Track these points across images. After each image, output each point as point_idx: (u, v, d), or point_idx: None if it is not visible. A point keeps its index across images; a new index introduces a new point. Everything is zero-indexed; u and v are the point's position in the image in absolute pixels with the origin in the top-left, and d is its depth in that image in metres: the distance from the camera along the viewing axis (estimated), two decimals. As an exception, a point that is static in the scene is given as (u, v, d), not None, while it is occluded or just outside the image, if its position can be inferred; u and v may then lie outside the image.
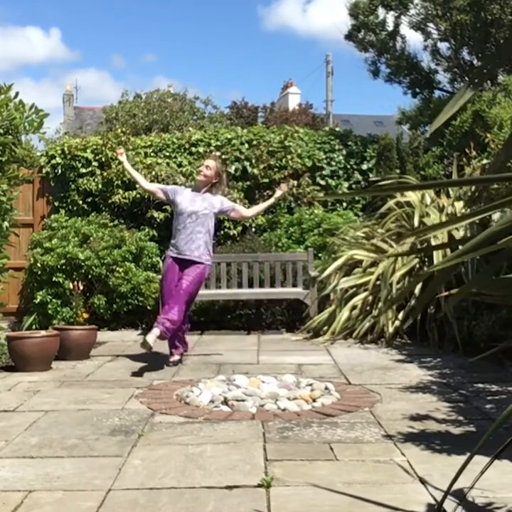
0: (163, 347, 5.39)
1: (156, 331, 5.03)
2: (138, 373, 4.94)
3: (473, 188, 6.66)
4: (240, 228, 8.35)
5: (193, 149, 8.77)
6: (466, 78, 11.22)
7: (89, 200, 8.50)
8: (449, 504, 2.26)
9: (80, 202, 8.46)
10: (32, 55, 63.34)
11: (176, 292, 5.16)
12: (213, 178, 5.41)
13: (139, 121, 18.72)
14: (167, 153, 8.73)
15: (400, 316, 6.28)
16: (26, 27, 71.08)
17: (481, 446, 1.64)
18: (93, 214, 8.29)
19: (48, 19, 68.03)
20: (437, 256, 6.07)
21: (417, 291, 6.10)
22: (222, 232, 8.33)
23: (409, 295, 6.22)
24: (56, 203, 8.56)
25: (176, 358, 5.32)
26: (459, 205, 6.59)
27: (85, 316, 6.11)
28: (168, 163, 8.56)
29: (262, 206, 5.93)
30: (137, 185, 8.26)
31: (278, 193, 5.69)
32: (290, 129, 9.17)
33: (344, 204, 8.73)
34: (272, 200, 5.76)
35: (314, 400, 3.90)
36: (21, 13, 66.59)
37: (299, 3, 66.13)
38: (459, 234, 6.15)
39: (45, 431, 3.39)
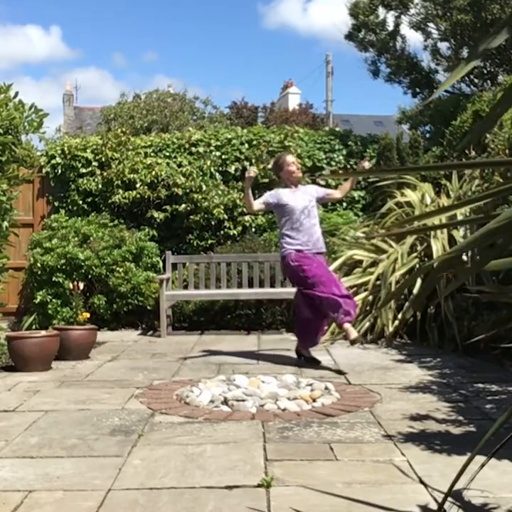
0: (161, 347, 5.39)
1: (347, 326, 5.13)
2: (138, 373, 4.94)
3: (473, 187, 6.66)
4: (240, 228, 8.35)
5: (193, 149, 8.77)
6: (466, 78, 11.22)
7: (89, 200, 8.50)
8: (450, 505, 2.26)
9: (80, 202, 8.47)
10: (32, 53, 63.47)
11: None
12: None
13: (137, 122, 18.73)
14: (167, 153, 8.73)
15: (400, 316, 6.28)
16: (26, 25, 71.19)
17: (481, 448, 1.64)
18: (93, 214, 8.29)
19: (48, 17, 68.18)
20: (437, 255, 6.07)
21: (415, 290, 6.10)
22: (222, 232, 8.34)
23: (408, 293, 6.22)
24: (56, 203, 8.57)
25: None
26: (460, 202, 6.58)
27: (85, 315, 6.10)
28: (168, 163, 8.56)
29: (348, 184, 5.84)
30: (137, 185, 8.32)
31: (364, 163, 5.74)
32: (290, 129, 9.17)
33: (344, 204, 8.73)
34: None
35: (314, 400, 3.90)
36: (21, 11, 66.64)
37: (300, 2, 66.19)
38: (459, 233, 6.16)
39: (45, 431, 3.40)
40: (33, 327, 7.33)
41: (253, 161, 8.59)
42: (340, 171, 8.77)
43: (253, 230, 8.40)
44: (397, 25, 11.40)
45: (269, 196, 5.52)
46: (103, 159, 8.54)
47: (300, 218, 5.31)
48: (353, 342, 5.11)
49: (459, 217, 5.96)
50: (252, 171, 5.36)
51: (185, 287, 7.66)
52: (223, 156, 8.70)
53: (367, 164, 5.74)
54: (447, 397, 4.04)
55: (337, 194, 5.79)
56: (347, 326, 5.05)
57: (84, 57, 63.43)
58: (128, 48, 71.64)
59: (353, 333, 5.08)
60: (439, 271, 1.59)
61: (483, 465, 1.82)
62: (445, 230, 6.04)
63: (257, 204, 5.49)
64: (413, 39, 29.70)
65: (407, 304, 6.24)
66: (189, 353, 5.85)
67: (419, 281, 5.74)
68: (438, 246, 6.24)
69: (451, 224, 4.79)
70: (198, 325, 7.57)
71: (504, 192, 1.53)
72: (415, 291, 6.10)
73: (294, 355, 5.66)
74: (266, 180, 8.55)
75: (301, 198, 5.38)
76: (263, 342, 6.54)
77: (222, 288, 7.51)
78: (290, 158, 5.52)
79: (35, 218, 8.60)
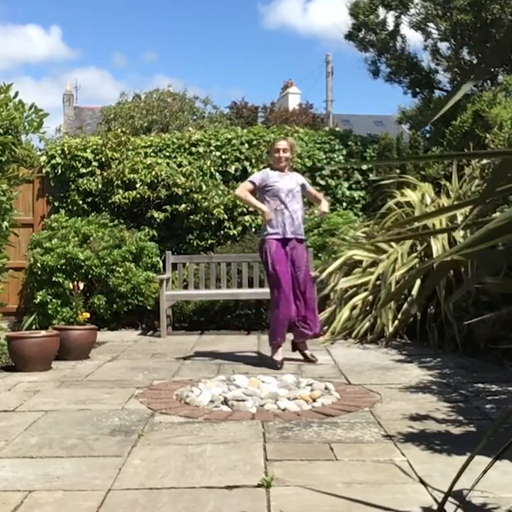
0: (161, 347, 5.38)
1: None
2: (138, 373, 4.94)
3: (472, 188, 6.67)
4: (240, 228, 8.35)
5: (193, 149, 8.77)
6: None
7: (89, 200, 8.50)
8: (450, 504, 2.26)
9: (80, 202, 8.47)
10: (32, 53, 63.43)
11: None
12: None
13: (137, 122, 18.73)
14: (167, 153, 8.73)
15: (400, 316, 6.27)
16: (26, 25, 71.11)
17: (482, 448, 1.64)
18: (93, 214, 8.29)
19: (48, 17, 68.10)
20: (437, 255, 6.07)
21: (414, 291, 6.11)
22: (222, 232, 8.33)
23: (408, 293, 6.22)
24: (56, 203, 8.57)
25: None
26: (460, 202, 6.58)
27: (85, 315, 6.10)
28: (168, 163, 8.56)
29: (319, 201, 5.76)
30: (137, 185, 8.31)
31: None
32: (290, 129, 9.18)
33: (344, 204, 8.73)
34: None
35: (314, 400, 3.90)
36: (21, 11, 66.59)
37: (300, 2, 66.18)
38: (458, 234, 6.15)
39: (45, 431, 3.40)
40: (33, 327, 7.33)
41: (253, 161, 8.59)
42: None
43: (253, 230, 8.39)
44: (397, 25, 11.40)
45: (256, 177, 5.54)
46: (103, 159, 8.54)
47: (285, 201, 5.30)
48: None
49: (459, 218, 5.97)
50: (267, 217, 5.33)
51: (185, 287, 7.66)
52: (223, 156, 8.70)
53: (325, 207, 5.57)
54: (447, 397, 4.04)
55: (317, 195, 5.74)
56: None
57: (84, 57, 63.48)
58: (128, 48, 71.68)
59: (279, 355, 5.22)
60: (439, 271, 1.59)
61: (488, 468, 1.82)
62: (442, 219, 6.02)
63: (246, 187, 5.50)
64: (413, 39, 29.74)
65: (406, 304, 6.24)
66: (189, 353, 5.85)
67: (418, 282, 5.75)
68: (438, 246, 6.24)
69: (452, 228, 4.80)
70: (198, 325, 7.57)
71: (504, 192, 1.53)
72: (414, 291, 6.11)
73: (293, 355, 5.66)
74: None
75: (289, 181, 5.39)
76: (263, 342, 6.53)
77: (222, 288, 7.51)
78: (280, 144, 5.46)
79: (35, 218, 8.60)
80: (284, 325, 5.28)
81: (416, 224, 6.74)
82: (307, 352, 5.42)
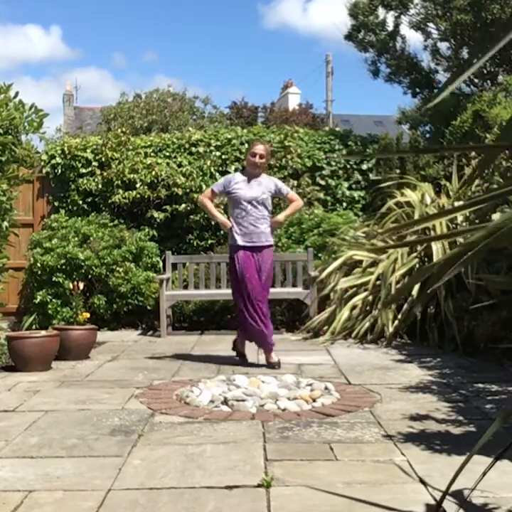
0: (161, 347, 5.38)
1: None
2: (138, 373, 4.94)
3: (472, 188, 6.67)
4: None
5: (193, 149, 8.77)
6: (466, 78, 11.21)
7: (89, 200, 8.50)
8: (449, 504, 2.26)
9: (80, 202, 8.47)
10: (32, 53, 63.40)
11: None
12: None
13: (137, 122, 18.73)
14: (167, 153, 8.73)
15: (400, 316, 6.27)
16: (26, 25, 71.02)
17: (481, 448, 1.64)
18: (93, 214, 8.29)
19: (49, 17, 68.07)
20: (437, 255, 6.07)
21: (414, 292, 6.11)
22: (222, 232, 8.33)
23: (408, 294, 6.22)
24: (56, 203, 8.57)
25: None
26: (459, 205, 6.58)
27: (85, 316, 6.10)
28: (168, 163, 8.56)
29: (290, 210, 5.61)
30: (137, 185, 8.31)
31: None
32: (290, 129, 9.17)
33: (344, 204, 8.73)
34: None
35: (314, 400, 3.90)
36: (21, 11, 66.55)
37: (300, 2, 66.17)
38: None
39: (45, 431, 3.40)
40: (33, 327, 7.33)
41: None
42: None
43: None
44: (396, 25, 11.39)
45: (218, 183, 5.51)
46: (103, 159, 8.54)
47: (247, 208, 5.24)
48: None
49: (459, 218, 5.98)
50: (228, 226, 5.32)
51: (185, 287, 7.66)
52: (223, 156, 8.70)
53: (280, 216, 5.48)
54: (447, 397, 4.04)
55: (293, 203, 5.51)
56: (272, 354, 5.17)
57: (84, 57, 63.49)
58: (128, 48, 71.68)
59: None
60: (439, 275, 1.59)
61: (488, 468, 1.82)
62: (445, 231, 6.04)
63: (207, 194, 5.49)
64: (413, 39, 29.71)
65: (406, 305, 6.24)
66: (189, 353, 5.85)
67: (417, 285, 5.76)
68: (438, 246, 6.24)
69: (453, 234, 4.80)
70: (198, 325, 7.57)
71: (505, 194, 1.53)
72: (414, 291, 6.11)
73: (294, 355, 5.67)
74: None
75: (255, 189, 5.28)
76: (263, 342, 6.53)
77: (222, 288, 7.50)
78: (258, 148, 5.32)
79: (35, 218, 8.61)
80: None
81: (416, 227, 6.75)
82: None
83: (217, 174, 8.59)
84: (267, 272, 5.29)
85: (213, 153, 8.69)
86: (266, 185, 5.37)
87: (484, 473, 1.84)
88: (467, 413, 3.65)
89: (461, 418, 3.54)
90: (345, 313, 6.50)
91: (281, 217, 5.50)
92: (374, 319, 6.36)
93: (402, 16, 11.29)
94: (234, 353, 5.51)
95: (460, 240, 5.99)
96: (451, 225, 6.42)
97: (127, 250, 7.70)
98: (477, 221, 5.44)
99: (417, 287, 6.09)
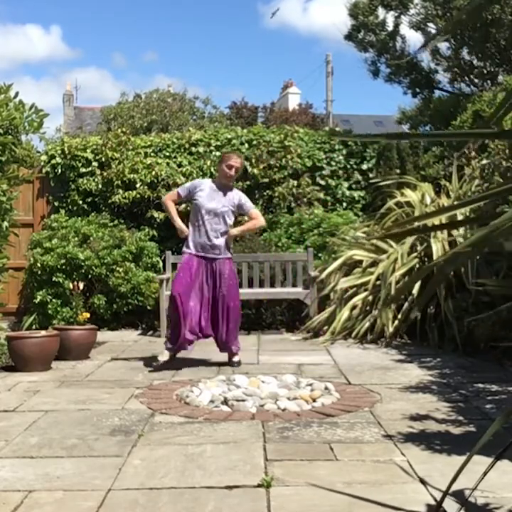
0: (161, 347, 5.38)
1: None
2: (138, 373, 4.94)
3: (472, 188, 6.66)
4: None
5: (193, 149, 8.77)
6: (466, 78, 11.21)
7: (89, 200, 8.50)
8: (450, 504, 2.26)
9: (80, 202, 8.47)
10: (32, 53, 63.43)
11: None
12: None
13: (137, 121, 18.74)
14: (167, 153, 8.73)
15: (400, 316, 6.27)
16: (26, 25, 71.03)
17: (481, 448, 1.64)
18: (93, 214, 8.29)
19: (49, 17, 68.09)
20: (437, 255, 6.07)
21: (415, 291, 6.11)
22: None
23: (408, 293, 6.22)
24: (56, 203, 8.57)
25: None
26: (459, 202, 6.59)
27: (85, 316, 6.10)
28: (168, 163, 8.56)
29: (246, 226, 5.55)
30: (137, 185, 8.31)
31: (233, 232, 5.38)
32: (290, 129, 9.17)
33: (344, 204, 8.73)
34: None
35: (314, 400, 3.90)
36: (21, 11, 66.58)
37: (300, 2, 66.16)
38: (458, 233, 6.15)
39: (45, 431, 3.40)
40: (33, 327, 7.33)
41: (253, 160, 8.59)
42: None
43: (253, 230, 8.39)
44: (396, 25, 11.40)
45: (184, 187, 5.47)
46: (103, 159, 8.54)
47: (204, 218, 5.17)
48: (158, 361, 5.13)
49: (459, 217, 5.97)
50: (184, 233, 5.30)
51: (185, 287, 7.64)
52: (223, 156, 8.69)
53: (234, 230, 5.37)
54: (447, 397, 4.04)
55: (252, 220, 5.37)
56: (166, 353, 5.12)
57: (84, 57, 63.54)
58: (128, 48, 71.73)
59: (164, 356, 5.10)
60: (440, 273, 1.59)
61: (490, 468, 1.82)
62: (445, 230, 6.04)
63: (171, 196, 5.49)
64: (413, 39, 29.72)
65: (406, 304, 6.24)
66: (189, 353, 5.85)
67: (418, 282, 5.75)
68: (438, 246, 6.23)
69: (451, 224, 4.79)
70: (198, 325, 7.56)
71: (504, 193, 1.53)
72: (415, 291, 6.11)
73: (294, 355, 5.66)
74: (266, 180, 8.56)
75: (217, 200, 5.21)
76: (263, 342, 6.54)
77: (222, 288, 7.49)
78: (235, 161, 5.25)
79: (35, 218, 8.60)
80: (175, 332, 5.15)
81: (416, 223, 6.75)
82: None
83: (217, 174, 8.58)
84: (227, 280, 5.18)
85: (213, 153, 8.69)
86: (230, 198, 5.26)
87: (485, 473, 1.84)
88: (467, 413, 3.65)
89: (461, 418, 3.54)
90: (345, 313, 6.50)
91: (234, 231, 5.36)
92: (374, 319, 6.36)
93: (402, 16, 11.30)
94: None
95: (460, 239, 6.00)
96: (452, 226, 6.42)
97: (127, 250, 7.70)
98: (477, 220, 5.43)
99: (417, 287, 6.09)
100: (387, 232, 6.19)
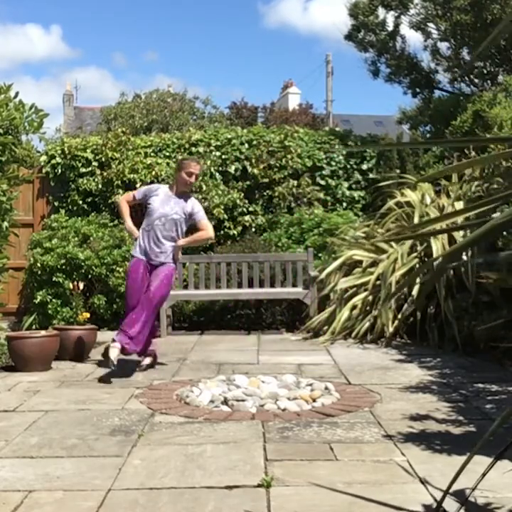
0: (161, 347, 5.38)
1: (117, 345, 4.93)
2: (138, 373, 4.93)
3: (472, 188, 6.66)
4: (240, 228, 8.36)
5: (193, 149, 8.76)
6: (466, 78, 11.21)
7: (89, 200, 8.50)
8: (450, 504, 2.26)
9: (80, 202, 8.47)
10: (32, 53, 63.47)
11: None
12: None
13: (137, 121, 18.74)
14: (167, 153, 8.73)
15: (400, 315, 6.27)
16: (26, 25, 71.02)
17: (481, 447, 1.64)
18: (93, 214, 8.29)
19: (49, 17, 68.08)
20: (437, 255, 6.07)
21: (414, 292, 6.10)
22: (222, 232, 8.33)
23: (408, 294, 6.22)
24: (56, 203, 8.57)
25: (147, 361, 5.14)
26: (459, 205, 6.59)
27: (85, 316, 6.10)
28: (168, 163, 8.55)
29: (194, 238, 5.35)
30: (137, 185, 8.31)
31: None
32: (290, 129, 9.17)
33: (344, 204, 8.73)
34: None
35: (314, 400, 3.90)
36: (21, 10, 66.56)
37: (300, 1, 66.23)
38: (458, 233, 6.15)
39: (45, 431, 3.39)
40: (33, 327, 7.32)
41: (253, 161, 8.59)
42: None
43: (253, 230, 8.40)
44: (396, 25, 11.39)
45: (140, 190, 5.43)
46: (103, 159, 8.54)
47: (154, 223, 5.12)
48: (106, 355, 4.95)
49: (460, 220, 5.96)
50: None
51: (185, 287, 7.65)
52: (223, 156, 8.70)
53: (181, 241, 5.20)
54: (447, 397, 4.04)
55: (201, 231, 5.23)
56: (113, 345, 4.93)
57: (84, 57, 63.58)
58: (128, 48, 71.79)
59: (113, 353, 4.84)
60: (438, 273, 1.59)
61: (489, 468, 1.82)
62: (444, 224, 6.02)
63: (127, 197, 5.46)
64: (413, 39, 29.68)
65: (406, 305, 6.24)
66: (189, 353, 5.85)
67: (417, 280, 5.76)
68: (438, 246, 6.23)
69: (452, 229, 4.80)
70: (198, 325, 7.57)
71: (510, 196, 1.53)
72: (414, 291, 6.11)
73: (294, 355, 5.66)
74: (266, 180, 8.56)
75: (171, 206, 5.12)
76: (263, 342, 6.54)
77: (222, 288, 7.51)
78: (195, 168, 5.17)
79: (35, 218, 8.60)
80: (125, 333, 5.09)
81: (422, 227, 6.75)
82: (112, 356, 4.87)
83: (217, 174, 8.59)
84: (159, 279, 5.06)
85: (213, 153, 8.69)
86: (183, 206, 5.15)
87: (484, 474, 1.84)
88: (467, 413, 3.65)
89: (461, 418, 3.54)
90: (345, 313, 6.50)
91: (181, 241, 5.21)
92: (374, 319, 6.36)
93: (402, 16, 11.29)
94: (233, 354, 5.50)
95: (460, 239, 6.00)
96: (452, 225, 6.41)
97: (127, 250, 7.69)
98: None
99: (416, 288, 6.09)
100: (393, 236, 6.19)
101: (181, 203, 5.16)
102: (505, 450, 1.83)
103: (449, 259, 1.60)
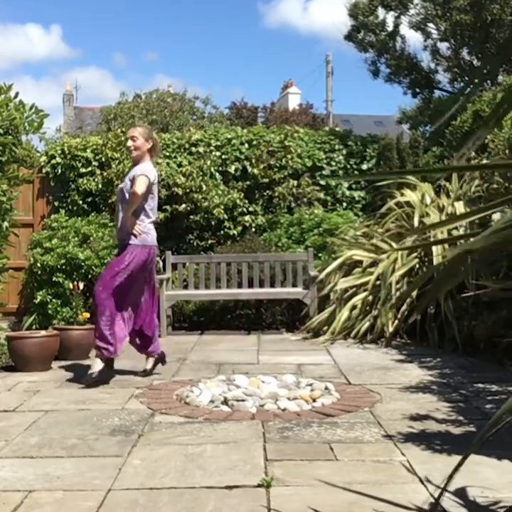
0: (162, 347, 5.38)
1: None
2: (138, 373, 4.93)
3: (472, 188, 6.66)
4: (240, 228, 8.36)
5: (193, 149, 8.76)
6: (466, 78, 11.21)
7: (89, 200, 8.50)
8: (450, 504, 2.26)
9: (80, 202, 8.47)
10: (32, 52, 63.47)
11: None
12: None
13: (137, 122, 18.73)
14: (167, 153, 8.73)
15: (400, 315, 6.27)
16: (26, 24, 70.96)
17: (479, 446, 1.64)
18: (93, 214, 8.29)
19: (49, 17, 68.02)
20: (437, 256, 6.08)
21: (414, 293, 6.10)
22: (222, 232, 8.34)
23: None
24: (56, 203, 8.56)
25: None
26: (459, 205, 6.59)
27: (85, 316, 6.10)
28: (168, 163, 8.56)
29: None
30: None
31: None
32: (290, 129, 9.17)
33: (344, 204, 8.73)
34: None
35: (314, 400, 3.90)
36: (21, 10, 66.55)
37: (300, 1, 66.24)
38: (458, 233, 6.15)
39: (45, 431, 3.40)
40: (33, 327, 7.32)
41: (253, 160, 8.59)
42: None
43: (253, 230, 8.40)
44: (396, 25, 11.41)
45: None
46: (103, 159, 8.54)
47: (116, 201, 4.83)
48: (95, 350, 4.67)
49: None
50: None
51: (185, 287, 7.65)
52: (223, 156, 8.70)
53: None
54: (447, 397, 4.04)
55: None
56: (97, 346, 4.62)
57: (84, 57, 63.60)
58: (128, 48, 71.82)
59: (97, 362, 4.58)
60: (440, 284, 1.59)
61: (461, 462, 1.81)
62: (445, 231, 6.04)
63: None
64: (413, 39, 29.69)
65: (405, 305, 6.24)
66: (189, 353, 5.85)
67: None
68: (437, 246, 6.23)
69: (452, 239, 4.79)
70: (198, 325, 7.57)
71: (508, 201, 1.53)
72: (414, 293, 6.10)
73: (294, 355, 5.66)
74: (266, 180, 8.56)
75: (124, 180, 4.76)
76: (263, 342, 6.54)
77: (222, 288, 7.51)
78: (129, 132, 4.74)
79: (35, 218, 8.60)
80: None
81: (416, 223, 6.75)
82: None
83: (217, 174, 8.59)
84: (111, 264, 4.68)
85: (213, 153, 8.68)
86: (130, 175, 4.67)
87: (460, 465, 1.82)
88: (467, 413, 3.65)
89: (461, 418, 3.54)
90: (345, 313, 6.50)
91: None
92: (374, 319, 6.36)
93: (402, 16, 11.31)
94: (233, 354, 5.50)
95: (461, 240, 6.00)
96: (454, 226, 6.41)
97: (127, 250, 7.70)
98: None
99: (416, 289, 6.09)
100: (398, 247, 6.18)
101: (130, 172, 4.74)
102: (490, 436, 1.82)
103: (451, 269, 1.59)
